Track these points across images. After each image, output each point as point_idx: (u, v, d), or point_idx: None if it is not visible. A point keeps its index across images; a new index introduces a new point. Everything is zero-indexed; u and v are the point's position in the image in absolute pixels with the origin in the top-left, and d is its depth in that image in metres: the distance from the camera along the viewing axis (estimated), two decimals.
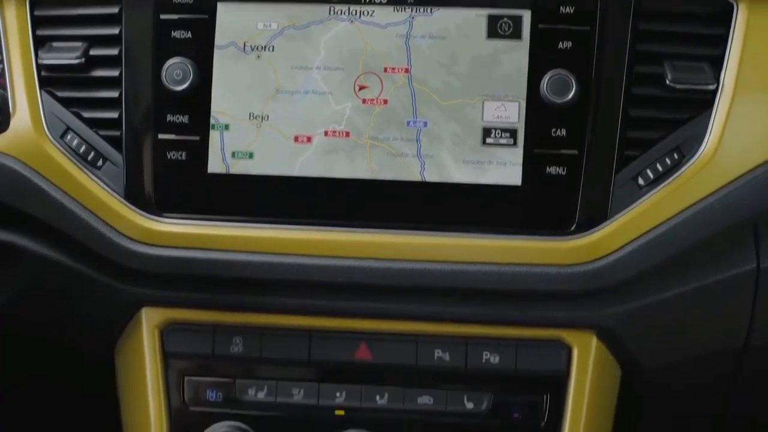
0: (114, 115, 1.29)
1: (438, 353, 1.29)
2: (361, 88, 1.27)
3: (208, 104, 1.27)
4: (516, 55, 1.25)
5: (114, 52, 1.30)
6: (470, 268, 1.24)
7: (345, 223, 1.26)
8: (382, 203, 1.26)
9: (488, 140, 1.25)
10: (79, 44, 1.31)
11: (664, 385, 1.37)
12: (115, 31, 1.30)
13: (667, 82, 1.24)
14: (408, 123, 1.26)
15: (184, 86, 1.27)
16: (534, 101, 1.25)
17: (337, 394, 1.30)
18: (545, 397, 1.29)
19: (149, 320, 1.31)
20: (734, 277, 1.29)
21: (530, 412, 1.30)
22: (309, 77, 1.27)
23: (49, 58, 1.31)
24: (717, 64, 1.25)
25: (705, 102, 1.25)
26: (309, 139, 1.27)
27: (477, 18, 1.26)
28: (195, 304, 1.30)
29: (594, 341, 1.29)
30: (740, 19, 1.25)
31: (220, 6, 1.27)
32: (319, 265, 1.25)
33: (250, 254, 1.26)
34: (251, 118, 1.27)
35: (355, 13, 1.27)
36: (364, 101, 1.26)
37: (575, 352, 1.29)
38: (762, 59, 1.25)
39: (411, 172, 1.26)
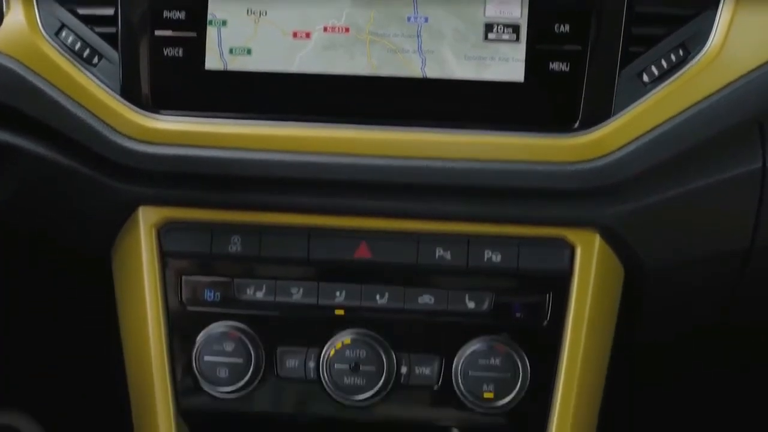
0: (109, 11, 1.26)
1: (439, 252, 1.28)
2: None
3: None
4: None
5: None
6: (472, 165, 1.22)
7: (344, 119, 1.24)
8: (382, 99, 1.24)
9: (490, 36, 1.23)
10: None
11: (667, 286, 1.36)
12: None
13: None
14: (409, 18, 1.24)
15: None
16: None
17: (337, 293, 1.29)
18: (548, 296, 1.28)
19: (146, 219, 1.30)
20: (739, 176, 1.27)
21: (532, 312, 1.28)
22: None
23: None
24: None
25: None
26: (308, 35, 1.24)
27: None
28: (192, 203, 1.29)
29: (597, 240, 1.27)
30: None
31: None
32: (318, 162, 1.23)
33: (248, 152, 1.24)
34: (249, 13, 1.24)
35: None
36: None
37: (578, 251, 1.27)
38: None
39: (412, 68, 1.23)
